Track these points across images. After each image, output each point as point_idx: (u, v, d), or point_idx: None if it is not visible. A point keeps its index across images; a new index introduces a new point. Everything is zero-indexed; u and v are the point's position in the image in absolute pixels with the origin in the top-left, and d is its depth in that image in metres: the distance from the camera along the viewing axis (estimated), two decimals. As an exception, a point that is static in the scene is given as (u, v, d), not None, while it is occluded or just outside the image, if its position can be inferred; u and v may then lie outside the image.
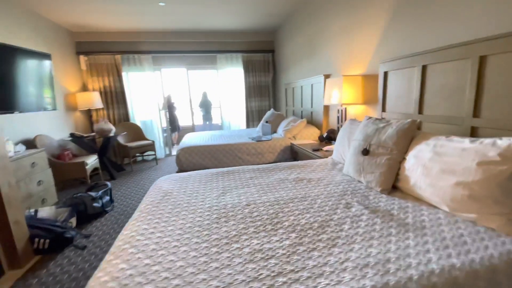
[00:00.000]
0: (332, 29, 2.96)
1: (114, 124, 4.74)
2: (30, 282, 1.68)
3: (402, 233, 0.98)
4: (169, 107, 6.23)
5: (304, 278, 0.76)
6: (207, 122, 7.38)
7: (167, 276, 0.79)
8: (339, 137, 2.05)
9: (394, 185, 1.42)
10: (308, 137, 3.36)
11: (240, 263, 0.84)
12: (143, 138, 4.78)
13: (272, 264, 0.83)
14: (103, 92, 4.64)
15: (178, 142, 6.78)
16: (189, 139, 3.55)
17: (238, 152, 3.11)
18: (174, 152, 5.60)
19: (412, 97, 1.83)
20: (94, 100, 4.31)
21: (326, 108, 3.22)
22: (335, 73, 2.97)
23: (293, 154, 3.21)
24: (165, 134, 5.46)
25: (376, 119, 1.63)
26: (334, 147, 2.10)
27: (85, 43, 4.51)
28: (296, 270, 0.80)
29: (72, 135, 3.75)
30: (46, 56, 3.31)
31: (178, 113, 6.58)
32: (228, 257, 0.88)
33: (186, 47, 4.92)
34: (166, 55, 4.94)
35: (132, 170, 4.40)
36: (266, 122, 3.94)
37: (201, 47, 4.98)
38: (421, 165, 1.21)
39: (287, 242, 0.95)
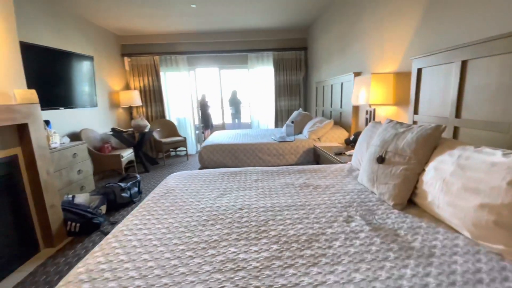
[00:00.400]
0: (363, 24, 2.72)
1: (151, 121, 5.10)
2: (58, 261, 1.89)
3: (401, 259, 0.83)
4: (203, 106, 6.48)
5: (267, 298, 0.69)
6: (236, 121, 7.49)
7: (133, 275, 0.79)
8: (359, 141, 1.87)
9: (411, 199, 1.22)
10: (334, 139, 3.16)
11: (207, 271, 0.80)
12: (176, 134, 5.05)
13: (239, 277, 0.77)
14: (142, 90, 5.03)
15: (210, 139, 7.03)
16: (214, 137, 3.62)
17: (259, 152, 3.07)
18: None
19: (448, 98, 1.56)
20: (135, 98, 4.69)
21: (356, 109, 2.97)
22: (365, 70, 2.72)
23: (316, 157, 3.05)
24: (197, 131, 5.70)
25: (397, 122, 1.43)
26: (354, 151, 1.92)
27: (129, 45, 4.93)
28: (261, 287, 0.73)
29: (113, 129, 4.13)
30: (90, 58, 3.70)
31: (211, 111, 6.80)
32: (199, 263, 0.85)
33: (218, 47, 5.04)
34: (200, 55, 5.13)
35: (164, 164, 4.68)
36: (292, 122, 3.82)
37: (233, 46, 5.05)
38: (441, 179, 1.01)
39: (265, 254, 0.88)
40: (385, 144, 1.33)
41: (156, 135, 4.75)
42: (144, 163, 4.31)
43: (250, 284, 0.74)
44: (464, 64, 1.44)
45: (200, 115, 6.12)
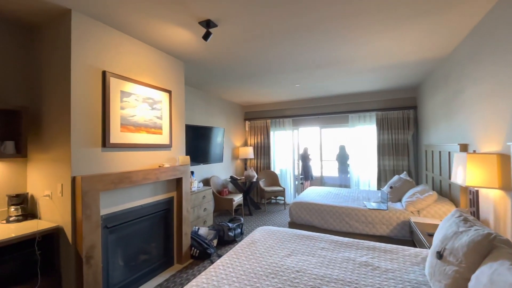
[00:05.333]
0: (466, 94, 2.56)
1: (259, 171, 6.10)
2: (182, 275, 2.74)
3: None
4: (304, 158, 7.02)
5: None
6: (343, 175, 7.44)
7: (216, 296, 1.32)
8: (438, 227, 1.78)
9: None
10: (438, 215, 2.83)
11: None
12: (277, 184, 5.77)
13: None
14: (255, 146, 6.21)
15: (310, 191, 7.31)
16: (306, 193, 4.00)
17: (346, 217, 3.17)
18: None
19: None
20: (250, 152, 5.88)
21: (464, 184, 2.62)
22: (472, 143, 2.47)
23: (411, 232, 2.81)
24: (296, 182, 6.21)
25: (463, 218, 1.39)
26: (434, 237, 1.81)
27: (249, 112, 6.38)
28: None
29: (231, 177, 5.32)
30: (222, 129, 5.16)
31: (312, 164, 7.22)
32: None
33: (320, 110, 5.65)
34: (302, 118, 5.89)
35: (265, 210, 5.38)
36: (390, 187, 3.67)
37: (334, 109, 5.51)
38: (482, 292, 1.00)
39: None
40: (445, 240, 1.34)
41: (261, 183, 5.63)
42: (249, 206, 5.17)
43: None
44: None
45: (301, 167, 6.65)
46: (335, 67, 3.44)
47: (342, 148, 7.35)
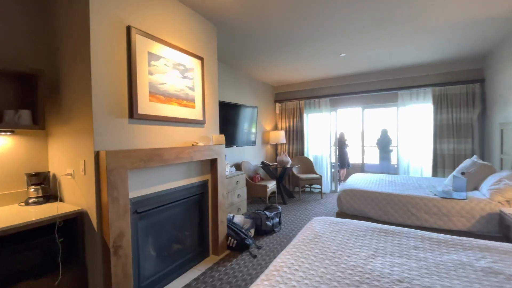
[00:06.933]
0: None
1: (291, 157, 5.61)
2: (220, 268, 2.38)
3: None
4: (341, 144, 6.41)
5: None
6: (385, 163, 6.74)
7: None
8: None
9: None
10: (541, 206, 2.20)
11: None
12: (313, 171, 5.26)
13: None
14: (287, 130, 5.71)
15: (345, 179, 6.73)
16: (354, 180, 3.47)
17: (412, 207, 2.62)
18: (339, 189, 5.62)
19: None
20: (281, 137, 5.39)
21: None
22: None
23: (503, 227, 2.21)
24: (332, 170, 5.66)
25: None
26: None
27: (280, 93, 5.85)
28: None
29: (262, 163, 4.89)
30: (255, 108, 4.68)
31: (349, 150, 6.59)
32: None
33: (363, 87, 4.98)
34: (342, 97, 5.25)
35: (300, 199, 4.93)
36: (462, 173, 3.03)
37: (380, 85, 4.82)
38: None
39: None
40: None
41: (294, 170, 5.16)
42: (282, 195, 4.73)
43: None
44: None
45: (338, 154, 6.07)
46: (395, 26, 2.81)
47: (384, 132, 6.62)
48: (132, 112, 1.85)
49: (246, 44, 3.26)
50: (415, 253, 1.35)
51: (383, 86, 4.79)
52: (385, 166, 6.50)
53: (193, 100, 2.42)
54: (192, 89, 2.40)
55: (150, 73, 1.99)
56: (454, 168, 4.18)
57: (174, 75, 2.21)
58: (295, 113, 5.65)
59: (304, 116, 5.58)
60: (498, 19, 2.65)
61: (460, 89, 4.16)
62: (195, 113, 2.44)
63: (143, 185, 1.95)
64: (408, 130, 4.60)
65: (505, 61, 3.32)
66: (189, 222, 2.47)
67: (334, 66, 4.34)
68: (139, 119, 1.91)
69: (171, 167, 2.20)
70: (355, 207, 2.90)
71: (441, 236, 1.55)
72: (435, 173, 4.32)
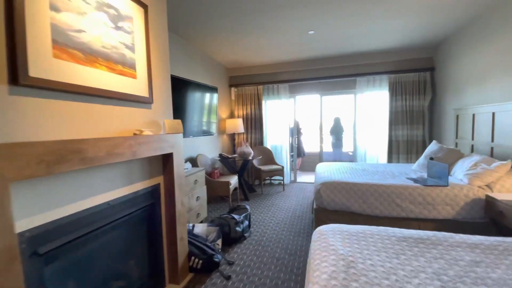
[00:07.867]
0: None
1: (251, 148, 5.09)
2: (186, 305, 1.71)
3: None
4: (296, 133, 6.21)
5: None
6: (337, 150, 6.85)
7: None
8: None
9: None
10: (515, 188, 2.22)
11: None
12: (273, 162, 4.87)
13: None
14: (245, 118, 5.14)
15: (300, 168, 6.62)
16: (326, 171, 3.16)
17: (397, 198, 2.42)
18: (298, 179, 5.42)
19: None
20: (238, 125, 4.79)
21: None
22: None
23: (491, 213, 2.15)
24: (291, 160, 5.39)
25: None
26: None
27: (235, 77, 5.20)
28: None
29: (220, 155, 4.23)
30: (214, 89, 3.95)
31: (303, 139, 6.47)
32: None
33: (322, 73, 4.76)
34: (302, 83, 4.95)
35: (262, 193, 4.49)
36: (431, 158, 3.01)
37: (339, 71, 4.66)
38: None
39: None
40: None
41: (255, 162, 4.67)
42: (244, 190, 4.20)
43: None
44: None
45: (296, 143, 5.84)
46: (366, 5, 2.53)
47: (336, 121, 6.69)
48: (16, 73, 0.99)
49: (198, 8, 2.52)
50: (480, 272, 0.99)
51: (341, 72, 4.64)
52: (338, 154, 6.62)
53: (133, 66, 1.61)
54: (131, 49, 1.59)
55: (55, 9, 1.14)
56: (407, 153, 4.35)
57: (100, 21, 1.37)
58: (253, 99, 5.11)
59: (263, 103, 5.09)
60: (456, 5, 2.60)
61: (413, 76, 4.29)
62: (137, 87, 1.65)
63: (50, 205, 1.12)
64: (365, 118, 4.60)
65: (458, 51, 3.45)
66: (134, 247, 1.70)
67: (299, 46, 3.93)
68: (33, 87, 1.06)
69: (101, 170, 1.40)
70: (337, 201, 2.58)
71: (499, 240, 1.23)
72: (390, 159, 4.43)
